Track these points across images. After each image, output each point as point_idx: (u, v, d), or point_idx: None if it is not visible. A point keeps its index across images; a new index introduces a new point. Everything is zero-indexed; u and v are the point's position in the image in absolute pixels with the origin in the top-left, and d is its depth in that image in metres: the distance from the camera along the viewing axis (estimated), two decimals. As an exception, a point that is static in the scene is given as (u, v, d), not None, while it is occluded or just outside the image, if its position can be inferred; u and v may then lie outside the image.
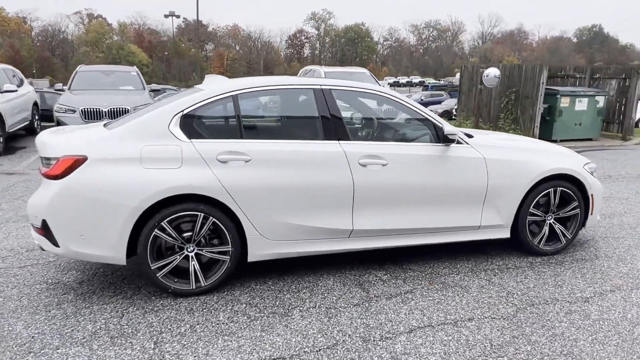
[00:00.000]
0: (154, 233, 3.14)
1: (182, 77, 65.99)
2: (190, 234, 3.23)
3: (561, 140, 11.48)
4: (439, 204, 3.68)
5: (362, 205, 3.48)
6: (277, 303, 3.20)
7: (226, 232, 3.25)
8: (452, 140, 3.65)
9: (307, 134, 3.55)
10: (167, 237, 3.18)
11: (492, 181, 3.75)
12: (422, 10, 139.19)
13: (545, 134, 11.39)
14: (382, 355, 2.60)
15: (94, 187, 3.04)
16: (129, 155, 3.12)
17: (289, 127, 3.75)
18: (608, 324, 2.95)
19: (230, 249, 3.29)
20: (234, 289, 3.40)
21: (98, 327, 2.88)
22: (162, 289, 3.27)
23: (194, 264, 3.25)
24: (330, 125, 3.50)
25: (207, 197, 3.18)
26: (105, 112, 8.89)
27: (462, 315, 3.03)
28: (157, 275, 3.19)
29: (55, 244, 3.11)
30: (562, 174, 3.94)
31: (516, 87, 11.70)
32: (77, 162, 3.05)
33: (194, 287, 3.26)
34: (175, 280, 3.26)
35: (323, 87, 3.58)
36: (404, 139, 3.81)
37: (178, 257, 3.24)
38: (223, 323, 2.94)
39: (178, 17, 50.04)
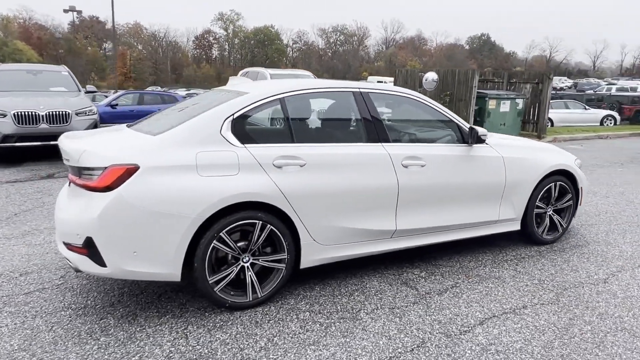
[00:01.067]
0: (212, 244, 2.95)
1: (80, 77, 60.95)
2: (245, 243, 3.09)
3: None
4: (467, 201, 3.89)
5: (405, 205, 3.58)
6: (338, 308, 3.17)
7: (282, 239, 3.16)
8: (483, 141, 3.89)
9: (353, 136, 3.57)
10: (226, 248, 3.01)
11: (509, 178, 4.05)
12: (329, 15, 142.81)
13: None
14: (473, 348, 2.71)
15: (149, 198, 2.79)
16: (185, 163, 2.91)
17: (335, 130, 3.72)
18: (635, 300, 3.35)
19: (286, 257, 3.20)
20: (285, 297, 3.31)
21: (168, 351, 2.65)
22: (219, 304, 3.08)
23: (250, 275, 3.12)
24: (372, 128, 3.55)
25: (264, 204, 3.07)
26: (42, 116, 8.00)
27: (515, 304, 3.25)
28: (215, 289, 3.01)
29: (102, 263, 2.80)
30: (561, 169, 4.37)
31: (450, 90, 12.55)
32: (129, 172, 2.77)
33: (251, 298, 3.13)
34: (232, 293, 3.10)
35: (361, 90, 3.62)
36: (435, 140, 3.97)
37: (235, 268, 3.08)
38: (300, 333, 2.86)
39: (80, 12, 46.04)
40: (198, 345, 2.71)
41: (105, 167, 2.77)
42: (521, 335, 2.85)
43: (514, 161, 4.09)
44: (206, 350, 2.66)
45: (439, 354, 2.64)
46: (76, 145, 2.98)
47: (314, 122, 3.66)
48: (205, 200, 2.89)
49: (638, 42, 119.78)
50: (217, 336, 2.81)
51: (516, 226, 4.27)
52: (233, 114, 3.13)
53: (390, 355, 2.64)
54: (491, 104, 12.64)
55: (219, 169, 2.97)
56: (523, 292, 3.45)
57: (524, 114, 13.84)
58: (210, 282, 2.99)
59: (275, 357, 2.61)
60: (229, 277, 3.06)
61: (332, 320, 3.00)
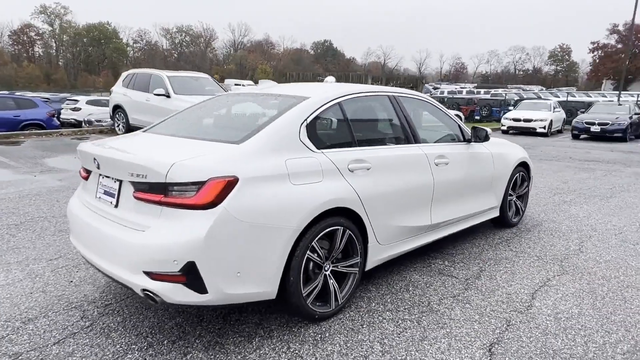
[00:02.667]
0: (306, 255, 2.84)
1: None
2: (326, 251, 3.03)
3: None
4: (474, 193, 4.35)
5: (436, 201, 3.86)
6: (409, 303, 3.30)
7: (357, 243, 3.17)
8: (488, 139, 4.37)
9: (398, 139, 3.71)
10: (316, 257, 2.91)
11: (495, 170, 4.63)
12: (172, 15, 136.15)
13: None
14: (548, 318, 3.11)
15: (252, 211, 2.57)
16: (279, 172, 2.74)
17: (384, 133, 3.79)
18: (613, 261, 4.16)
19: (359, 260, 3.22)
20: (353, 302, 3.32)
21: (294, 372, 2.49)
22: (309, 317, 2.96)
23: (332, 283, 3.06)
24: (410, 130, 3.75)
25: (344, 209, 3.05)
26: None
27: (541, 278, 3.78)
28: (307, 302, 2.89)
29: (202, 290, 2.49)
30: (523, 161, 5.13)
31: (344, 94, 13.26)
32: (230, 185, 2.52)
33: (333, 307, 3.07)
34: (318, 304, 3.00)
35: (395, 94, 3.80)
36: (448, 139, 4.32)
37: (321, 278, 2.99)
38: (401, 331, 2.92)
39: None
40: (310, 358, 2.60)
41: (204, 182, 2.46)
42: (571, 301, 3.36)
43: (497, 156, 4.69)
44: (330, 364, 2.57)
45: (529, 329, 2.97)
46: (152, 157, 2.58)
47: (366, 125, 3.71)
48: (301, 208, 2.76)
49: (453, 52, 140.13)
50: (329, 349, 2.72)
51: (497, 212, 4.88)
52: (306, 119, 3.03)
53: (496, 337, 2.88)
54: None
55: (306, 176, 2.87)
56: (536, 267, 4.01)
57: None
58: (304, 295, 2.86)
59: (402, 357, 2.65)
60: (317, 288, 2.96)
61: (417, 316, 3.12)
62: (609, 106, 18.10)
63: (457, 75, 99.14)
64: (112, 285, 3.50)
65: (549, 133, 17.69)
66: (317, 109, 3.13)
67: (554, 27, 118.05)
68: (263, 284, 2.67)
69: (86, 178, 3.15)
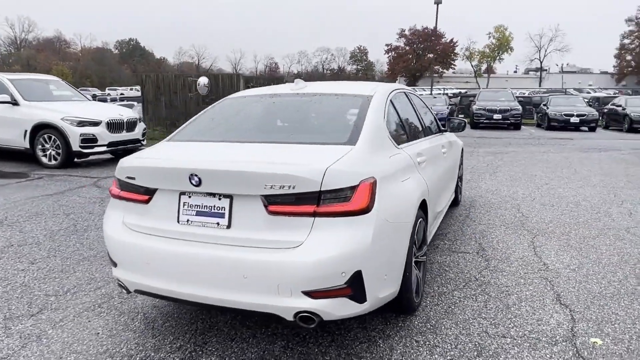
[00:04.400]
0: (413, 249, 2.91)
1: None
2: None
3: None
4: (454, 177, 4.89)
5: (440, 188, 4.22)
6: (468, 291, 3.59)
7: (426, 231, 3.34)
8: (464, 129, 4.91)
9: (424, 130, 3.95)
10: (418, 251, 3.00)
11: (457, 156, 5.27)
12: None
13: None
14: (568, 269, 3.78)
15: (390, 211, 2.55)
16: (393, 169, 2.77)
17: (416, 126, 3.90)
18: (557, 221, 5.16)
19: (426, 249, 3.39)
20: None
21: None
22: (411, 310, 3.02)
23: (417, 273, 3.16)
24: (425, 122, 4.05)
25: (423, 200, 3.19)
26: None
27: (529, 240, 4.49)
28: (413, 295, 2.95)
29: (362, 299, 2.38)
30: (462, 149, 5.90)
31: (214, 96, 12.78)
32: (374, 186, 2.44)
33: (417, 301, 3.15)
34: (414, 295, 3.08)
35: (405, 90, 4.04)
36: (435, 130, 4.70)
37: (416, 270, 3.08)
38: (493, 317, 3.22)
39: None
40: (455, 348, 2.72)
41: (356, 185, 2.34)
42: (566, 255, 4.11)
43: (455, 143, 5.32)
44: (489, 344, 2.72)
45: (569, 280, 3.58)
46: (299, 164, 2.33)
47: (408, 119, 3.81)
48: (412, 204, 2.84)
49: (266, 52, 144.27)
50: (451, 332, 2.85)
51: (454, 196, 5.54)
52: (384, 116, 3.06)
53: (555, 292, 3.40)
54: (250, 106, 13.63)
55: (405, 172, 2.93)
56: (514, 234, 4.74)
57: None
58: (413, 288, 2.92)
59: (502, 345, 2.95)
60: (418, 280, 3.05)
61: (488, 298, 3.40)
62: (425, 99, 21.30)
63: (271, 74, 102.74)
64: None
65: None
66: (386, 106, 3.18)
67: (353, 30, 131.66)
68: (394, 284, 2.66)
69: (147, 200, 2.60)
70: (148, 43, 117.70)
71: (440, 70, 64.38)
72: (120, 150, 9.51)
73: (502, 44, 61.38)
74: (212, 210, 2.45)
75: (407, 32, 64.99)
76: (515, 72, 75.91)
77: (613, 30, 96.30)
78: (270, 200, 2.31)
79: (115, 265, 2.73)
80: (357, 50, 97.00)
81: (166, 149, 2.94)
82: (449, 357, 2.60)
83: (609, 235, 4.66)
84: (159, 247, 2.51)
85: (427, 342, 2.75)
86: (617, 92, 36.75)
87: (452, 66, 65.49)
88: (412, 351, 2.67)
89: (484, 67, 65.42)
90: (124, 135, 9.47)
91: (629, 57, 57.93)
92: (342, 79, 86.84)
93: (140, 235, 2.60)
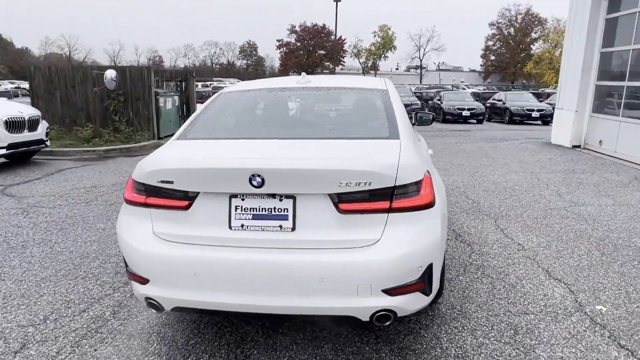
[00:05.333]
0: (442, 239, 3.00)
1: None
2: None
3: (166, 136, 12.78)
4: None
5: None
6: (468, 278, 3.82)
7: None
8: (431, 123, 5.11)
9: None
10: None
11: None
12: None
13: (159, 133, 12.33)
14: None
15: (442, 202, 2.62)
16: (427, 161, 2.82)
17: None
18: (533, 203, 5.66)
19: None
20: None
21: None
22: (435, 301, 3.11)
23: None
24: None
25: None
26: None
27: (519, 227, 4.88)
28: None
29: (429, 292, 2.41)
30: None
31: (122, 90, 11.73)
32: (431, 180, 2.47)
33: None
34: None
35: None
36: None
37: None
38: (502, 301, 3.45)
39: None
40: (492, 329, 2.88)
41: (421, 180, 2.35)
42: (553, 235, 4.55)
43: (422, 138, 5.54)
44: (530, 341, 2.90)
45: (563, 247, 3.97)
46: (374, 160, 2.27)
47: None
48: (443, 194, 2.91)
49: (148, 45, 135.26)
50: (481, 315, 3.01)
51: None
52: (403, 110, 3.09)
53: (547, 265, 3.75)
54: (162, 102, 12.75)
55: (430, 162, 3.01)
56: (486, 220, 5.10)
57: (179, 110, 14.62)
58: (441, 277, 3.02)
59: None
60: (440, 268, 3.15)
61: (492, 280, 3.67)
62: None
63: (155, 68, 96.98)
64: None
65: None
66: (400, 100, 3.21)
67: (242, 25, 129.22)
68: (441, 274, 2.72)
69: (187, 207, 2.33)
70: (5, 31, 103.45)
71: (331, 66, 66.37)
72: (19, 153, 8.31)
73: (386, 43, 65.10)
74: (273, 213, 2.27)
75: (297, 29, 65.80)
76: (397, 69, 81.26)
77: (479, 32, 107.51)
78: (342, 199, 2.21)
79: (144, 282, 2.39)
80: (247, 45, 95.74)
81: (198, 148, 2.62)
82: (492, 338, 2.74)
83: (554, 215, 5.25)
84: (209, 257, 2.26)
85: (465, 327, 2.86)
86: (485, 87, 41.20)
87: (342, 63, 67.88)
88: (457, 337, 2.76)
89: (371, 63, 68.86)
90: (25, 136, 8.29)
91: (492, 57, 65.22)
92: (233, 74, 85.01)
93: (181, 246, 2.32)
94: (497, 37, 63.84)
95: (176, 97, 13.87)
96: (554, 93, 26.84)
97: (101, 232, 4.75)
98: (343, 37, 64.93)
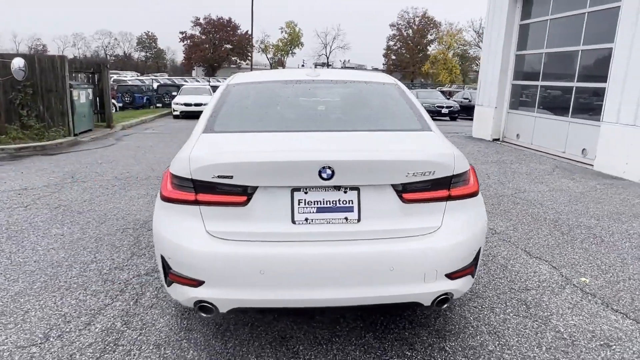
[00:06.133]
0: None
1: None
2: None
3: (81, 133, 11.73)
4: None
5: None
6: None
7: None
8: None
9: None
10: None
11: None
12: None
13: (74, 129, 11.27)
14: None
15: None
16: None
17: None
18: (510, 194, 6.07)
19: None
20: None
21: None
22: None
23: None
24: None
25: None
26: None
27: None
28: None
29: (475, 274, 2.56)
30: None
31: (30, 81, 10.50)
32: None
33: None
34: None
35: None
36: None
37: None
38: (502, 280, 3.73)
39: None
40: (507, 306, 3.13)
41: (468, 169, 2.49)
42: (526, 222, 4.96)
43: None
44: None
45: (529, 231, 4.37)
46: (435, 151, 2.37)
47: None
48: None
49: (30, 33, 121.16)
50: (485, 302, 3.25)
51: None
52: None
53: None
54: (75, 95, 11.64)
55: None
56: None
57: (92, 105, 13.44)
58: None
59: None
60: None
61: (482, 262, 3.94)
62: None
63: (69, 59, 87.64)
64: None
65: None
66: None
67: (139, 15, 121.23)
68: None
69: (245, 202, 2.23)
70: None
71: (239, 61, 65.25)
72: None
73: (293, 39, 65.54)
74: (338, 205, 2.26)
75: (202, 21, 63.57)
76: (303, 65, 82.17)
77: (382, 32, 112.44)
78: (406, 188, 2.27)
79: (197, 284, 2.24)
80: (145, 37, 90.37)
81: (246, 141, 2.48)
82: (511, 314, 2.98)
83: (506, 201, 5.77)
84: (275, 253, 2.19)
85: (483, 306, 3.08)
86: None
87: (249, 58, 66.95)
88: (481, 315, 2.96)
89: (277, 59, 68.84)
90: None
91: (393, 57, 68.72)
92: (130, 66, 79.63)
93: (241, 244, 2.21)
94: (397, 37, 67.36)
95: (90, 90, 12.74)
96: (457, 92, 29.16)
97: (62, 239, 4.28)
98: (250, 32, 64.08)
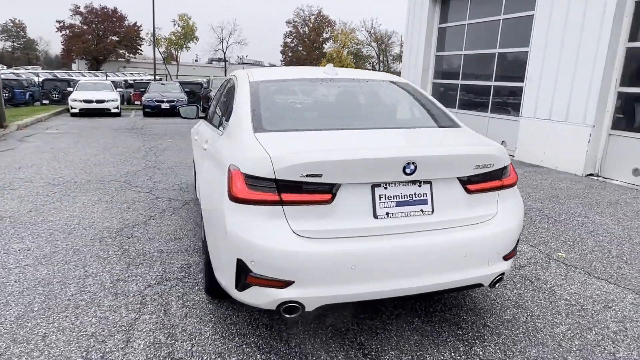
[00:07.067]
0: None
1: None
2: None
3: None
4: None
5: None
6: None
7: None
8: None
9: None
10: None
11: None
12: None
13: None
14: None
15: None
16: None
17: None
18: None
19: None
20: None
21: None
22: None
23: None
24: None
25: None
26: None
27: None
28: None
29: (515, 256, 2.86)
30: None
31: None
32: (507, 166, 2.91)
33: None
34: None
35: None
36: None
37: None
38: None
39: None
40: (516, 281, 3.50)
41: (510, 162, 2.77)
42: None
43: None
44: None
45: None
46: (491, 145, 2.59)
47: None
48: None
49: None
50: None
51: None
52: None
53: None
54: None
55: None
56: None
57: (-21, 101, 11.74)
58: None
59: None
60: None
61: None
62: (164, 86, 20.29)
63: None
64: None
65: (120, 112, 18.13)
66: (415, 91, 3.55)
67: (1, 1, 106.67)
68: None
69: (330, 200, 2.25)
70: None
71: (127, 55, 60.98)
72: None
73: (187, 33, 62.86)
74: (414, 199, 2.38)
75: (83, 10, 58.14)
76: (197, 60, 79.32)
77: (279, 29, 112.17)
78: (470, 180, 2.47)
79: (285, 285, 2.22)
80: (11, 24, 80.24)
81: (319, 139, 2.51)
82: (522, 289, 3.35)
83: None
84: (363, 249, 2.25)
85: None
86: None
87: (139, 51, 62.89)
88: (498, 292, 3.29)
89: (175, 54, 65.63)
90: None
91: (290, 54, 69.33)
92: (-6, 58, 70.00)
93: (328, 242, 2.24)
94: (294, 34, 68.12)
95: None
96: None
97: (31, 254, 3.80)
98: (139, 24, 60.22)
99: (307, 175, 2.20)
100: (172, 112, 18.37)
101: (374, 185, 2.32)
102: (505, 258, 2.59)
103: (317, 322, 2.84)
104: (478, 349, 2.60)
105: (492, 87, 9.67)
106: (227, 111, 3.22)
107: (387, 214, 2.34)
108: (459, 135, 2.82)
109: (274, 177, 2.20)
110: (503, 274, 2.60)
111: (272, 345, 2.61)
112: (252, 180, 2.25)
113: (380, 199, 2.33)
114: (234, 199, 2.30)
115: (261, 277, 2.24)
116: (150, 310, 2.95)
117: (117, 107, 17.80)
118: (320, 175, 2.20)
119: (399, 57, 65.50)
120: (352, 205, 2.29)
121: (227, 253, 2.34)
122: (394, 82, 3.49)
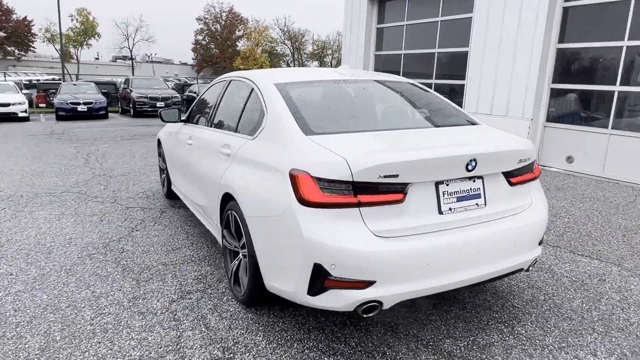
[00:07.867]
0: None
1: None
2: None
3: None
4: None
5: None
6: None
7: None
8: None
9: None
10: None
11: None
12: None
13: None
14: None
15: None
16: None
17: None
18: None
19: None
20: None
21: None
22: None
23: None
24: None
25: None
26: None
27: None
28: None
29: (539, 241, 3.14)
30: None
31: None
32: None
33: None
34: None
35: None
36: None
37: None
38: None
39: None
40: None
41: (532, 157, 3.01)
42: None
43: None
44: (517, 260, 3.88)
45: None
46: (522, 141, 2.77)
47: None
48: None
49: None
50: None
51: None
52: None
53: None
54: None
55: None
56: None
57: None
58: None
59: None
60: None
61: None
62: (77, 87, 18.69)
63: None
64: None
65: (29, 117, 16.46)
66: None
67: None
68: None
69: (402, 199, 2.32)
70: None
71: (18, 52, 55.27)
72: None
73: (87, 29, 58.30)
74: (470, 194, 2.52)
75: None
76: (98, 59, 74.00)
77: (189, 26, 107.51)
78: (512, 173, 2.67)
79: (366, 285, 2.24)
80: None
81: (378, 140, 2.59)
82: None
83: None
84: (434, 244, 2.35)
85: (503, 268, 3.69)
86: (208, 80, 42.70)
87: (32, 49, 57.23)
88: (506, 283, 3.56)
89: (73, 52, 60.48)
90: None
91: (202, 52, 67.24)
92: None
93: (402, 240, 2.30)
94: (206, 32, 66.15)
95: None
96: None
97: (17, 278, 3.40)
98: (30, 19, 54.76)
99: (384, 177, 2.24)
100: (90, 114, 17.12)
101: (438, 183, 2.42)
102: (539, 243, 2.83)
103: (365, 320, 2.89)
104: (520, 329, 2.82)
105: (433, 84, 10.25)
106: (251, 115, 3.14)
107: (450, 209, 2.45)
108: (491, 132, 3.01)
109: (351, 179, 2.22)
110: (537, 258, 2.85)
111: (334, 347, 2.61)
112: (326, 184, 2.24)
113: (443, 196, 2.44)
114: (307, 203, 2.27)
115: (341, 280, 2.24)
116: (189, 326, 2.80)
117: (26, 111, 16.15)
118: (396, 176, 2.26)
119: (313, 55, 66.44)
120: (420, 203, 2.38)
121: (300, 259, 2.31)
122: (412, 84, 3.63)
